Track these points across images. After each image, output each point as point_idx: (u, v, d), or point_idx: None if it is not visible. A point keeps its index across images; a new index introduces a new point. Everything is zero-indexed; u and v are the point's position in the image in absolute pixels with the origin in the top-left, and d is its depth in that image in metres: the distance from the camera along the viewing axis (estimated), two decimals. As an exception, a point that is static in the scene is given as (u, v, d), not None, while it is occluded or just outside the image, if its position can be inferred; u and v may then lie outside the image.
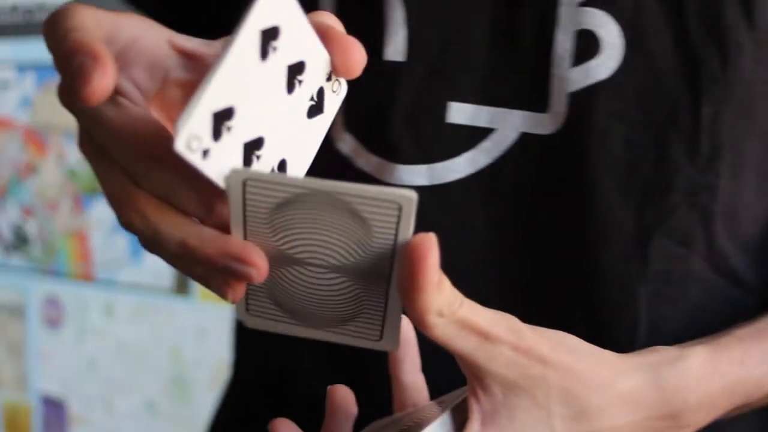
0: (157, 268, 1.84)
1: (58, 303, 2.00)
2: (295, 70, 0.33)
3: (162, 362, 1.88)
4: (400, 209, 0.30)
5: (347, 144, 0.50)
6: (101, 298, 1.93)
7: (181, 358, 1.86)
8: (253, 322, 0.37)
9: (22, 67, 1.96)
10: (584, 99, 0.44)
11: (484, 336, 0.34)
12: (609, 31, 0.44)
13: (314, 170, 0.56)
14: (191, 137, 0.29)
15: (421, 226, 0.47)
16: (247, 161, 0.32)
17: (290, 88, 0.33)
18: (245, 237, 0.32)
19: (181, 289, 1.82)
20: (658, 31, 0.44)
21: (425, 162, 0.47)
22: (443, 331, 0.33)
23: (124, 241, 1.87)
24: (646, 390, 0.37)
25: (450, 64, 0.46)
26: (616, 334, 0.46)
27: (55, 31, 0.32)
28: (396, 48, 0.47)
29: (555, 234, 0.47)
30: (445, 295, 0.33)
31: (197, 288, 1.79)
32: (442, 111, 0.47)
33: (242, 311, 0.36)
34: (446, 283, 0.33)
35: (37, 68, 1.93)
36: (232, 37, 0.30)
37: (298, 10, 0.32)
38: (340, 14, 0.50)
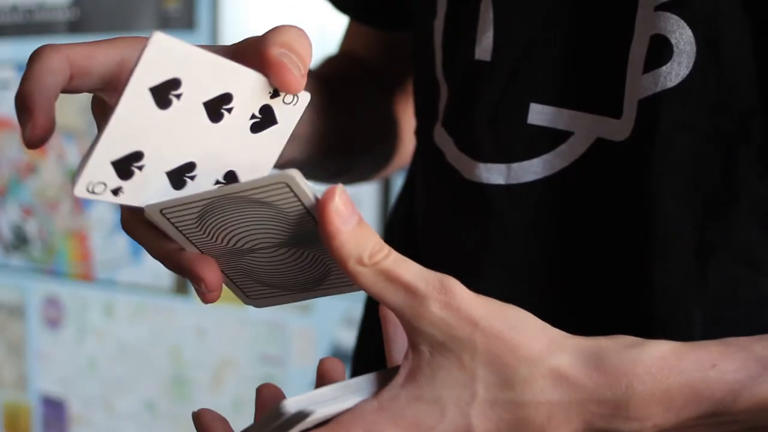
0: (157, 268, 1.84)
1: (58, 303, 2.00)
2: (218, 102, 0.34)
3: (162, 362, 1.88)
4: (288, 186, 0.33)
5: (441, 139, 0.51)
6: (101, 298, 1.93)
7: (180, 358, 1.86)
8: (258, 303, 0.41)
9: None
10: (651, 107, 0.43)
11: (412, 291, 0.34)
12: (681, 37, 0.42)
13: (416, 162, 0.57)
14: (91, 184, 0.32)
15: (494, 224, 0.48)
16: (178, 183, 0.35)
17: (216, 118, 0.34)
18: (198, 247, 0.36)
19: (181, 289, 1.82)
20: (735, 39, 0.42)
21: (504, 161, 0.47)
22: (369, 281, 0.34)
23: (124, 241, 1.87)
24: (582, 369, 0.35)
25: (532, 65, 0.46)
26: None
27: (25, 70, 0.35)
28: (484, 48, 0.47)
29: (616, 244, 0.46)
30: (362, 243, 0.33)
31: (197, 288, 1.79)
32: (524, 112, 0.46)
33: (244, 298, 0.40)
34: (365, 231, 0.34)
35: (37, 68, 1.93)
36: (118, 97, 0.31)
37: (200, 55, 0.32)
38: (450, 15, 0.50)
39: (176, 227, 0.35)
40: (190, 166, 0.35)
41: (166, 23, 1.79)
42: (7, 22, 1.99)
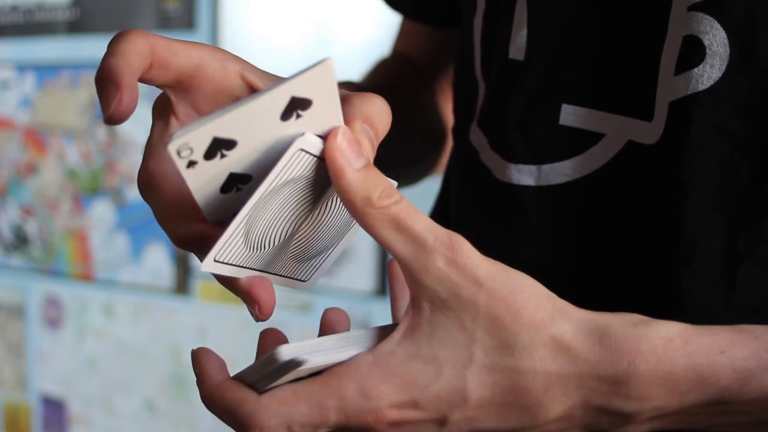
0: (157, 268, 1.84)
1: (58, 303, 2.00)
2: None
3: (162, 362, 1.88)
4: (304, 150, 0.34)
5: (476, 138, 0.51)
6: (101, 298, 1.93)
7: (180, 358, 1.86)
8: (314, 280, 0.42)
9: (22, 67, 1.96)
10: (682, 109, 0.41)
11: (420, 243, 0.34)
12: (715, 38, 0.40)
13: (452, 160, 0.59)
14: (184, 146, 0.32)
15: (522, 225, 0.48)
16: (227, 188, 0.35)
17: None
18: (256, 269, 0.37)
19: (181, 289, 1.82)
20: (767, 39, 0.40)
21: (534, 162, 0.47)
22: (376, 226, 0.34)
23: (124, 241, 1.88)
24: (585, 342, 0.34)
25: (565, 66, 0.46)
26: None
27: (106, 50, 0.34)
28: (518, 47, 0.47)
29: (643, 250, 0.45)
30: (370, 185, 0.34)
31: (197, 288, 1.79)
32: (555, 113, 0.46)
33: (301, 285, 0.42)
34: (373, 174, 0.34)
35: (37, 68, 1.93)
36: (266, 90, 0.32)
37: (335, 96, 0.34)
38: (489, 13, 0.50)
39: (233, 265, 0.36)
40: (246, 179, 0.35)
41: (166, 23, 1.79)
42: (7, 22, 1.99)
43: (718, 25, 0.40)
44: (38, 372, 2.05)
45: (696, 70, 0.41)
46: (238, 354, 1.78)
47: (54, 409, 2.04)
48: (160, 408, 1.89)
